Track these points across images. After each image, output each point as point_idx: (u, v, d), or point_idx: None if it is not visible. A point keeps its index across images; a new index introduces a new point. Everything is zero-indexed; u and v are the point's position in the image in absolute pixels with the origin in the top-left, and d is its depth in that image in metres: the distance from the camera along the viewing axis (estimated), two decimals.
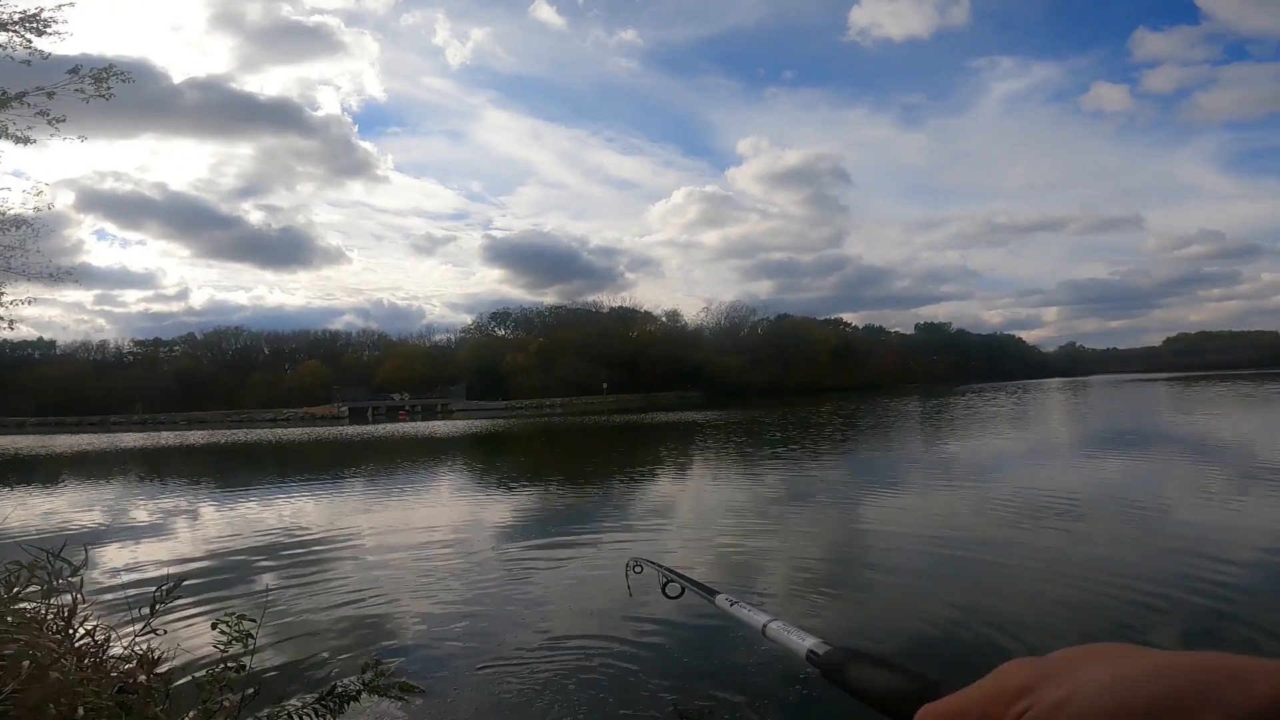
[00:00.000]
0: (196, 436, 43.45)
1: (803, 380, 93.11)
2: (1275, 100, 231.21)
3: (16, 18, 8.00)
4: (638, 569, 1.92)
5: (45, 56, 8.30)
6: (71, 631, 2.15)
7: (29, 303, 9.00)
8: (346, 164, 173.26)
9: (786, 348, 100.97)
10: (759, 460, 17.05)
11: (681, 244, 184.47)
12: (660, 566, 1.49)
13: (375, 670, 2.38)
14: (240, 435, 43.83)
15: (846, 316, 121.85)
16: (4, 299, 8.48)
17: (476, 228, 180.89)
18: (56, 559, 2.26)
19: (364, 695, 2.31)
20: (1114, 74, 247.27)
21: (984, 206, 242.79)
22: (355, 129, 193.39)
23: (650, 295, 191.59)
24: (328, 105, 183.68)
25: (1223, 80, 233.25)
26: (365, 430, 44.43)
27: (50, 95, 8.21)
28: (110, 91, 8.42)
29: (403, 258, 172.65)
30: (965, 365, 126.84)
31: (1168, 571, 5.98)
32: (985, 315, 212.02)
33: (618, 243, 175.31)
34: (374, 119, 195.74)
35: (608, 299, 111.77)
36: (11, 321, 8.56)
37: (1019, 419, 28.23)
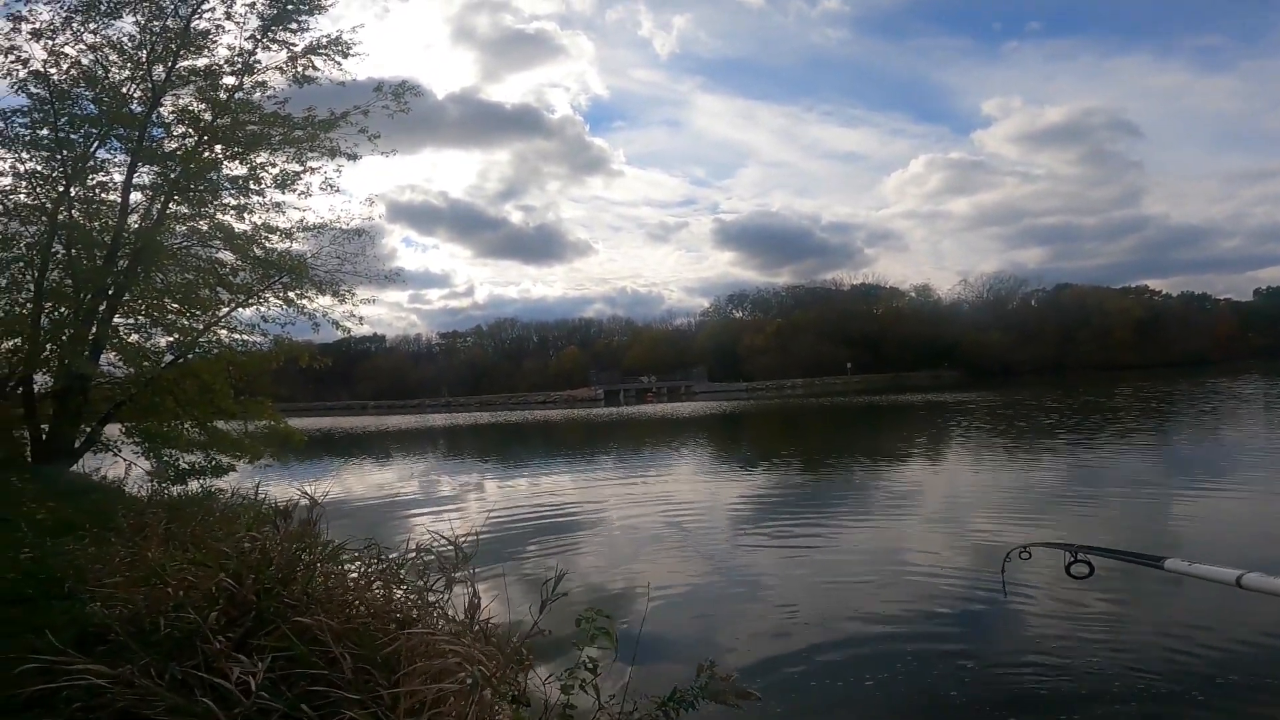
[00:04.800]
0: (485, 417, 50.83)
1: (1091, 358, 79.06)
2: None
3: (325, 41, 9.40)
4: (1024, 554, 1.74)
5: (354, 80, 9.59)
6: (485, 632, 2.47)
7: (372, 301, 10.80)
8: (584, 161, 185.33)
9: (1068, 321, 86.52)
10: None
11: (925, 215, 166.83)
12: (1066, 546, 1.37)
13: (710, 673, 2.44)
14: (517, 416, 50.29)
15: (1151, 283, 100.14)
16: (355, 299, 10.18)
17: (704, 213, 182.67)
18: (454, 546, 2.64)
19: (700, 701, 2.38)
20: None
21: None
22: (586, 127, 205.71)
23: (894, 270, 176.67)
24: (561, 107, 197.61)
25: None
26: (619, 411, 48.09)
27: (365, 113, 9.48)
28: (407, 106, 9.56)
29: (639, 246, 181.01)
30: None
31: None
32: None
33: (851, 218, 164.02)
34: (601, 116, 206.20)
35: (847, 277, 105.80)
36: (361, 318, 10.40)
37: None
